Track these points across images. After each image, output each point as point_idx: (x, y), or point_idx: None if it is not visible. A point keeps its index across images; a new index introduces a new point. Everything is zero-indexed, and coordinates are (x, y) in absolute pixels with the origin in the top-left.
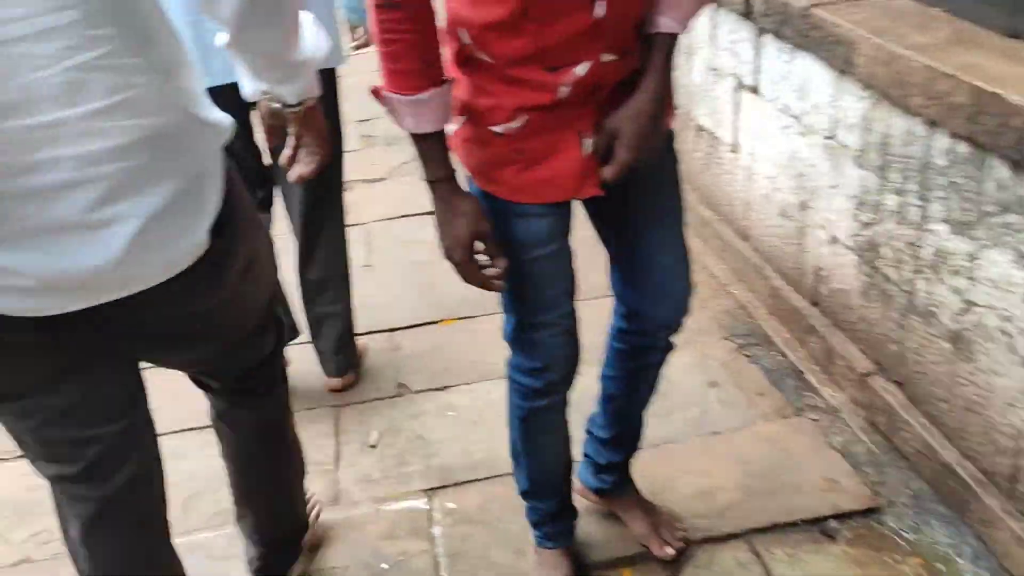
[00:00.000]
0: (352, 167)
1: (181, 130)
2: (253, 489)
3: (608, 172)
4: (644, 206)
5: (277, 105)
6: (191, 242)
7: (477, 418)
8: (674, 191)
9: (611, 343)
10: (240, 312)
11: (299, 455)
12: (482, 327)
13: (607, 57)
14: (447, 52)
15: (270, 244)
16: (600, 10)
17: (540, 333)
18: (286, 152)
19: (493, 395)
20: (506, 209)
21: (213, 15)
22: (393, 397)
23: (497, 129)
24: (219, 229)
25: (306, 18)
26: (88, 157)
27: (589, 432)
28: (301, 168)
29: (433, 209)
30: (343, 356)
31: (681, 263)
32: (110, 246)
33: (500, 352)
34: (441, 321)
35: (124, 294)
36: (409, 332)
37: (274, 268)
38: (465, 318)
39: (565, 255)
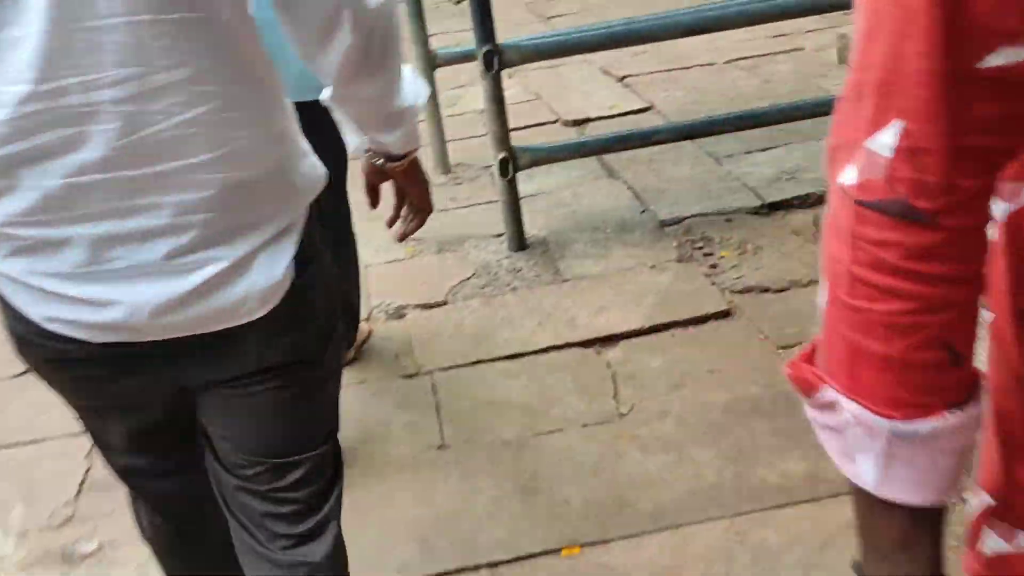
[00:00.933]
0: (398, 286)
1: (274, 181)
2: None
3: None
4: None
5: (380, 160)
6: (267, 283)
7: None
8: None
9: None
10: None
11: None
12: (623, 559)
13: None
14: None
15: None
16: None
17: None
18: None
19: None
20: None
21: (319, 68)
22: None
23: None
24: (300, 269)
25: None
26: (186, 204)
27: None
28: (406, 225)
29: None
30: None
31: None
32: (181, 290)
33: None
34: (562, 550)
35: (199, 331)
36: (517, 568)
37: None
38: (595, 543)
39: None
